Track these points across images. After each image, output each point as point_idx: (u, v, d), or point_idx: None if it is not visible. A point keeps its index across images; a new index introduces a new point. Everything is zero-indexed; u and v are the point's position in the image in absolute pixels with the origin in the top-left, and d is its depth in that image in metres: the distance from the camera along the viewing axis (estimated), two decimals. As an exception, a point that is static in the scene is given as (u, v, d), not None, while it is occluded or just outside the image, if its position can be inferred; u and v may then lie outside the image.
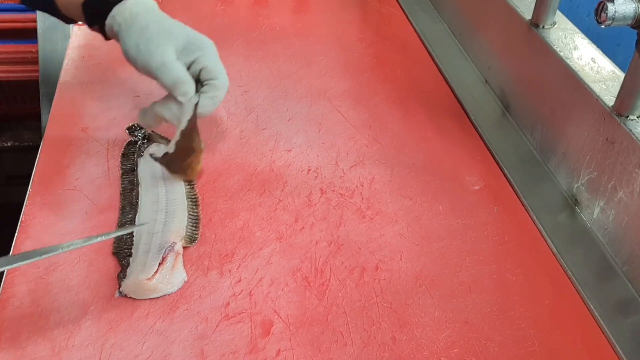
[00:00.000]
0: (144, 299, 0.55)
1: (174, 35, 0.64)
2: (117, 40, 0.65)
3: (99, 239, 0.55)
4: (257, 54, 0.93)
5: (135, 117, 0.78)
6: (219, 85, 0.66)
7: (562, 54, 0.71)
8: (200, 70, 0.66)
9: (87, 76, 0.85)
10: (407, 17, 1.07)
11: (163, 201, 0.64)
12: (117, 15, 0.63)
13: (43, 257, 0.52)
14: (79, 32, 0.95)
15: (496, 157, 0.76)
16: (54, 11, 0.69)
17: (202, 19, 1.01)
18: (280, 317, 0.55)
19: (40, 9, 0.74)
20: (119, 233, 0.60)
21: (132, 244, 0.60)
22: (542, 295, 0.59)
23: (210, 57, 0.66)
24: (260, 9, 1.06)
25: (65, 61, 0.87)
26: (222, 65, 0.67)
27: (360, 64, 0.93)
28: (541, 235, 0.66)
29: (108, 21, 0.64)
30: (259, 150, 0.74)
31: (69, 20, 0.70)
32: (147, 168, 0.69)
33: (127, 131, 0.75)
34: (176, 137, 0.64)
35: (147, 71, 0.64)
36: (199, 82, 0.67)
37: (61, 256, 0.58)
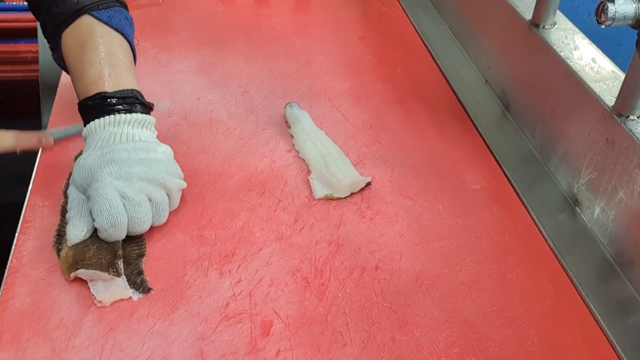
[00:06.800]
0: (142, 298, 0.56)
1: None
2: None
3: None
4: (257, 54, 0.93)
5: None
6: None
7: (562, 54, 0.71)
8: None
9: (87, 76, 0.85)
10: (407, 17, 1.07)
11: None
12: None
13: None
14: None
15: (496, 156, 0.76)
16: None
17: (202, 19, 1.01)
18: (280, 318, 0.55)
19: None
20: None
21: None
22: (543, 295, 0.59)
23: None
24: (261, 9, 1.06)
25: (66, 61, 0.87)
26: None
27: (361, 64, 0.93)
28: (541, 235, 0.66)
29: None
30: (259, 150, 0.74)
31: None
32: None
33: None
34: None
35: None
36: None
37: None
